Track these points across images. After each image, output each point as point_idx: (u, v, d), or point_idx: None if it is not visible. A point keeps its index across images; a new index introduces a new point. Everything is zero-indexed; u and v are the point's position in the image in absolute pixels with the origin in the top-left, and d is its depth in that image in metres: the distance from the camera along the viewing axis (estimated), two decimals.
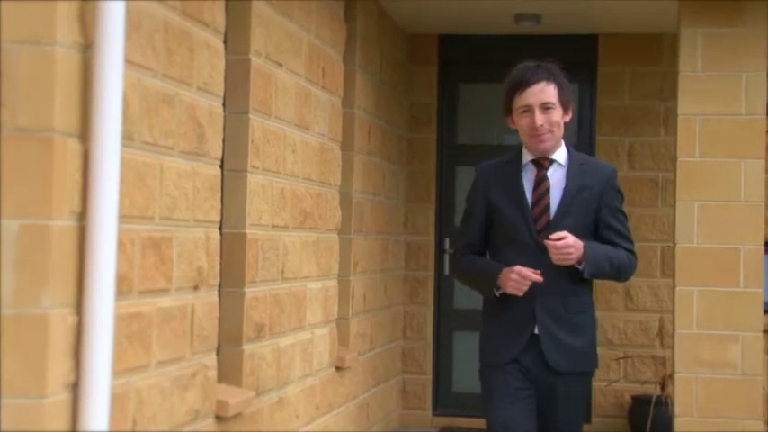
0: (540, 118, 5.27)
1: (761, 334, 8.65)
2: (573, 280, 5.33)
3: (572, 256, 5.15)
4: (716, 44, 8.71)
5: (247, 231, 6.29)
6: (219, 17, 5.65)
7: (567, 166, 5.43)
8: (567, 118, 5.42)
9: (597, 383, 10.54)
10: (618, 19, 10.06)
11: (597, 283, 10.49)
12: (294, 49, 7.06)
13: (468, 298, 10.59)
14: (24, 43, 4.00)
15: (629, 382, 10.51)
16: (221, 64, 5.71)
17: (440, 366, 10.92)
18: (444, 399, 10.82)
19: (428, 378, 10.92)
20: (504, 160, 5.60)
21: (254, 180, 6.37)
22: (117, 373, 4.41)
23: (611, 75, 10.68)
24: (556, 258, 5.14)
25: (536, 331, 5.33)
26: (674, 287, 8.86)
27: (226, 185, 6.12)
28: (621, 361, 10.49)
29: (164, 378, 5.03)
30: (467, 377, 10.80)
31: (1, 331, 3.98)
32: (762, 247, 8.67)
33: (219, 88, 5.70)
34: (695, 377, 8.67)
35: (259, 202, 6.47)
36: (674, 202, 8.87)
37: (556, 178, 5.41)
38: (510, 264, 5.28)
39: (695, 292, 8.68)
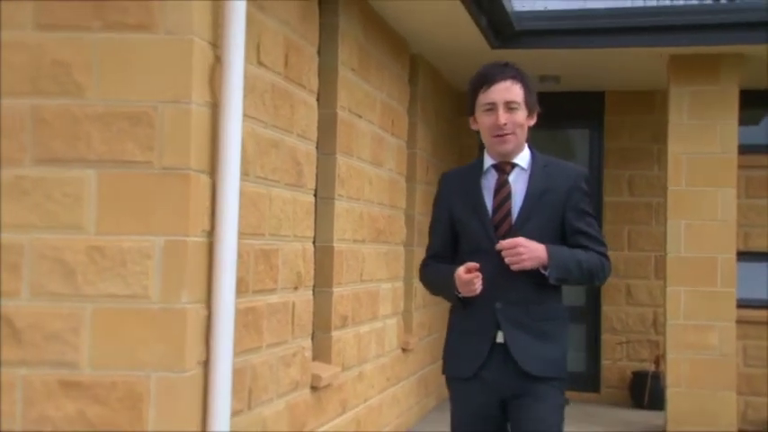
0: (503, 116, 3.91)
1: (733, 324, 8.59)
2: (538, 287, 3.91)
3: (524, 257, 3.80)
4: (697, 99, 8.68)
5: (334, 245, 6.32)
6: (314, 81, 5.69)
7: (529, 170, 4.01)
8: (532, 122, 4.05)
9: (605, 362, 10.48)
10: (620, 79, 10.01)
11: (607, 282, 10.44)
12: (370, 104, 7.09)
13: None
14: (169, 103, 4.06)
15: (629, 360, 10.42)
16: (315, 116, 5.75)
17: None
18: None
19: None
20: (467, 167, 4.23)
21: (339, 205, 6.40)
22: (237, 353, 4.45)
23: (615, 123, 10.62)
24: (508, 261, 3.81)
25: (499, 339, 3.89)
26: (665, 287, 8.81)
27: (318, 209, 6.14)
28: (624, 344, 10.41)
29: (272, 357, 5.06)
30: None
31: (152, 322, 4.05)
32: (734, 257, 8.60)
33: (314, 135, 5.73)
34: (682, 357, 8.61)
35: (343, 222, 6.51)
36: (665, 221, 8.83)
37: (518, 183, 3.99)
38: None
39: (682, 292, 8.63)
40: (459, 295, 3.94)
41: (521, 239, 3.82)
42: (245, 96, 4.41)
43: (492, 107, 3.94)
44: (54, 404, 4.07)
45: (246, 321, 4.68)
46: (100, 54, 4.10)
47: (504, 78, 3.95)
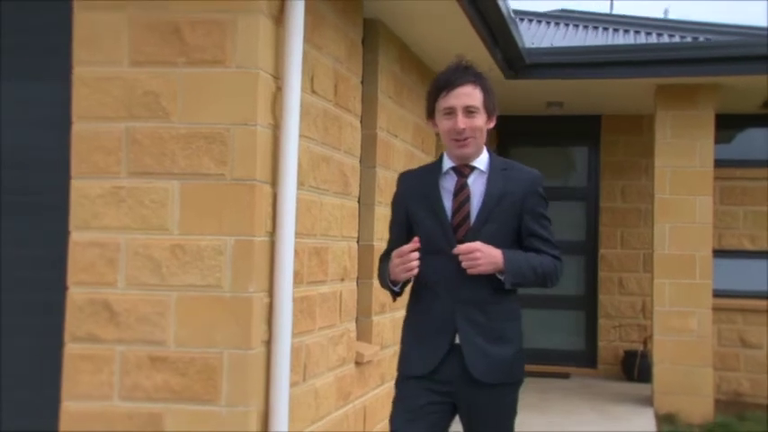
0: (462, 121, 3.33)
1: (710, 310, 8.53)
2: (494, 288, 3.33)
3: (480, 261, 3.23)
4: (679, 121, 8.65)
5: (374, 243, 6.31)
6: (357, 106, 5.71)
7: (487, 173, 3.42)
8: (491, 125, 3.47)
9: (601, 343, 10.41)
10: (614, 105, 9.96)
11: (602, 274, 10.42)
12: (404, 125, 7.10)
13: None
14: (238, 125, 4.09)
15: (622, 341, 10.36)
16: (359, 136, 5.76)
17: None
18: None
19: None
20: (426, 168, 3.61)
21: (378, 210, 6.40)
22: (294, 334, 4.47)
23: (610, 141, 10.56)
24: (465, 265, 3.24)
25: (457, 341, 3.32)
26: (652, 279, 8.77)
27: (361, 214, 6.15)
28: (617, 328, 10.35)
29: (323, 338, 5.08)
30: None
31: (224, 307, 4.09)
32: (710, 254, 8.55)
33: (358, 151, 5.74)
34: (667, 338, 8.56)
35: (382, 225, 6.48)
36: (653, 224, 8.79)
37: (477, 186, 3.40)
38: (432, 274, 3.35)
39: (667, 283, 8.59)
40: (395, 288, 3.44)
41: (478, 244, 3.26)
42: (301, 119, 4.43)
43: (451, 111, 3.37)
44: (145, 375, 4.12)
45: (302, 308, 4.70)
46: (183, 85, 4.14)
47: (464, 83, 3.39)
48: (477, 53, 7.32)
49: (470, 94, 3.37)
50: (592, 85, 8.87)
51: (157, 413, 4.11)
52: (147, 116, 4.16)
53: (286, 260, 4.28)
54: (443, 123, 3.40)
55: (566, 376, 10.06)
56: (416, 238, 3.29)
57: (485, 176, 3.41)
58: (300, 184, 4.55)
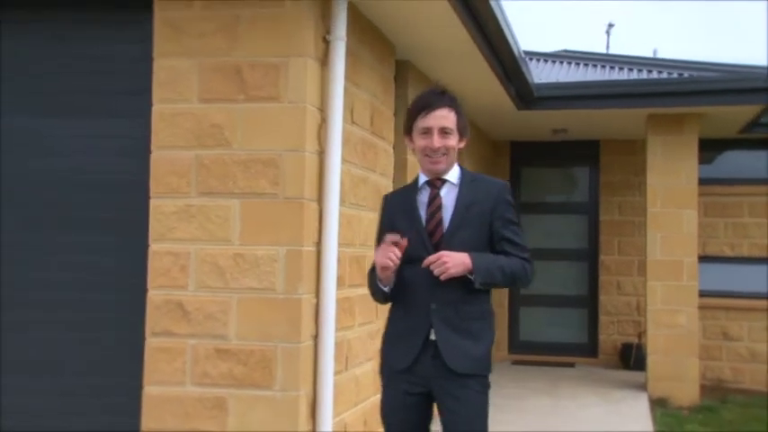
0: (438, 141, 3.17)
1: (696, 309, 8.44)
2: (468, 290, 3.11)
3: (448, 265, 3.02)
4: (668, 144, 8.59)
5: None
6: (390, 134, 5.71)
7: (459, 185, 3.24)
8: (462, 144, 3.29)
9: (601, 336, 10.31)
10: (611, 131, 9.89)
11: (602, 277, 10.33)
12: None
13: (529, 286, 10.50)
14: (289, 151, 4.12)
15: (619, 335, 10.26)
16: (391, 160, 5.76)
17: (512, 326, 10.79)
18: (515, 344, 10.66)
19: (506, 332, 10.80)
20: (405, 187, 3.45)
21: None
22: (338, 330, 4.47)
23: (608, 162, 10.48)
24: (436, 273, 3.03)
25: (432, 337, 3.12)
26: (646, 282, 8.69)
27: None
28: (615, 323, 10.26)
29: (362, 333, 5.07)
30: (527, 332, 10.67)
31: (278, 307, 4.10)
32: (696, 260, 8.47)
33: (391, 173, 5.73)
34: (659, 333, 8.48)
35: None
36: (646, 234, 8.72)
37: (449, 196, 3.22)
38: (408, 280, 3.16)
39: (658, 285, 8.51)
40: (384, 288, 3.20)
41: (443, 252, 3.07)
42: (342, 146, 4.44)
43: (428, 131, 3.20)
44: (211, 364, 4.14)
45: (344, 307, 4.69)
46: (243, 118, 4.18)
47: (441, 106, 3.23)
48: (493, 88, 7.32)
49: (446, 117, 3.22)
50: (592, 115, 8.82)
51: (222, 397, 4.14)
52: (213, 145, 4.20)
53: (330, 266, 4.28)
54: (420, 141, 3.23)
55: (571, 365, 9.99)
56: (405, 239, 3.07)
57: (456, 188, 3.24)
58: (342, 201, 4.55)
